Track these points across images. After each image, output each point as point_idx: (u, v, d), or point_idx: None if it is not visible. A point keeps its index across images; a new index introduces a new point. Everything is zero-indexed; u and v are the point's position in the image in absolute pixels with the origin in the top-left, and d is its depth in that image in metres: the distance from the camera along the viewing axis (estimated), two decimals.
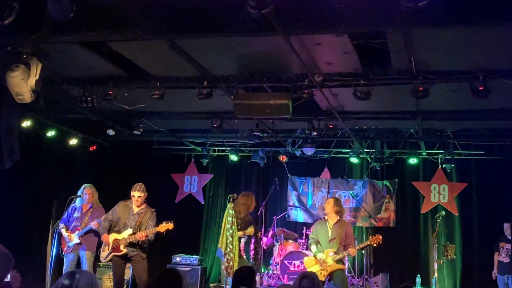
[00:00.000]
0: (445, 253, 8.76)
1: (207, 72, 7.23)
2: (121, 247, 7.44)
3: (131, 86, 7.78)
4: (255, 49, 6.39)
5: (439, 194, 10.79)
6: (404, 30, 5.42)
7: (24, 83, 5.90)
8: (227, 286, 8.58)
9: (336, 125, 9.16)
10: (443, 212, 8.84)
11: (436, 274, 8.42)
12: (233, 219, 7.74)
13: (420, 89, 6.73)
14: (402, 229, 11.01)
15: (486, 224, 10.28)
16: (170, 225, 7.45)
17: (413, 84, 6.77)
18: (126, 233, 7.47)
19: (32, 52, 5.90)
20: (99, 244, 8.17)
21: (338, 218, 7.77)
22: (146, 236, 7.38)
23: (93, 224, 8.28)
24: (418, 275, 9.54)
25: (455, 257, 9.30)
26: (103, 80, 7.73)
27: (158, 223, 7.60)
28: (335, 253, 7.54)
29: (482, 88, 6.47)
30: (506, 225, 9.12)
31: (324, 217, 8.05)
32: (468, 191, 10.68)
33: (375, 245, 7.85)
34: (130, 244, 7.46)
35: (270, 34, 5.61)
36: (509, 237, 9.11)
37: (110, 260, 7.62)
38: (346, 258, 7.89)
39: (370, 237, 7.98)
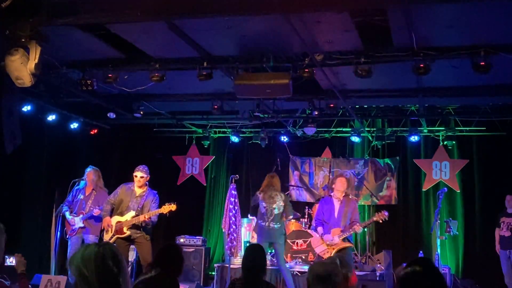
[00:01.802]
0: (447, 229, 8.80)
1: (206, 53, 7.20)
2: (124, 229, 7.50)
3: (131, 69, 7.76)
4: (254, 29, 6.36)
5: (440, 171, 10.80)
6: (405, 6, 5.38)
7: (23, 67, 5.88)
8: (231, 266, 8.66)
9: (337, 104, 9.15)
10: (445, 189, 8.86)
11: (438, 250, 8.46)
12: (236, 200, 7.79)
13: (421, 66, 6.69)
14: (404, 207, 11.05)
15: (488, 200, 10.30)
16: (173, 206, 7.49)
17: (414, 61, 6.74)
18: (129, 215, 7.52)
19: (30, 36, 5.86)
20: (103, 227, 8.21)
21: (344, 195, 7.81)
22: (149, 218, 7.42)
23: (95, 213, 8.31)
24: (421, 252, 9.58)
25: (457, 233, 9.36)
26: (103, 63, 7.70)
27: (160, 205, 7.64)
28: (342, 231, 7.61)
29: (483, 63, 6.44)
30: (509, 197, 9.13)
31: (329, 195, 8.05)
32: (469, 168, 10.69)
33: (381, 221, 7.88)
34: (133, 226, 7.51)
35: (270, 12, 5.58)
36: (510, 211, 9.15)
37: (113, 243, 7.67)
38: (351, 235, 7.95)
39: (376, 213, 7.97)
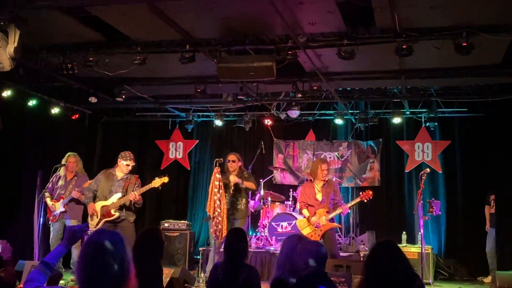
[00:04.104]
0: (430, 209, 8.89)
1: (189, 36, 7.14)
2: (112, 211, 7.46)
3: (112, 52, 7.68)
4: (237, 11, 6.32)
5: (423, 153, 10.89)
6: None
7: (2, 51, 5.80)
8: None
9: (320, 87, 9.14)
10: (428, 169, 8.94)
11: (421, 231, 8.55)
12: (220, 183, 7.78)
13: (404, 47, 6.71)
14: (387, 188, 11.13)
15: (469, 180, 10.42)
16: (165, 179, 7.48)
17: (397, 42, 6.75)
18: (115, 197, 7.49)
19: (9, 19, 5.78)
20: (85, 212, 8.17)
21: (325, 179, 7.90)
22: (140, 195, 7.41)
23: (74, 194, 8.27)
24: (404, 232, 9.69)
25: (440, 213, 9.47)
26: (83, 47, 7.61)
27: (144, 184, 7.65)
28: (327, 212, 7.71)
29: (465, 44, 6.47)
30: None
31: (309, 179, 8.13)
32: (451, 149, 10.78)
33: (365, 200, 8.01)
34: (120, 208, 7.49)
35: None
36: None
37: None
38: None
39: (361, 193, 8.09)
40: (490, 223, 9.32)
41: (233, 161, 8.23)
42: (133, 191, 7.48)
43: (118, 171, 7.70)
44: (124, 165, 7.61)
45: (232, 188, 8.13)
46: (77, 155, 8.80)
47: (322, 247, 4.13)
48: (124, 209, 7.52)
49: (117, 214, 7.47)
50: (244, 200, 8.24)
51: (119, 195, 7.49)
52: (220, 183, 7.80)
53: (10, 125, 8.94)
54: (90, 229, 7.90)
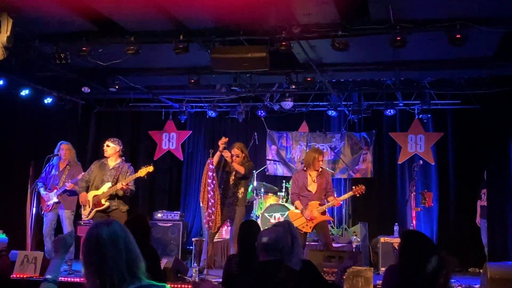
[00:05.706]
0: (423, 201, 8.93)
1: (183, 26, 7.11)
2: (102, 201, 7.44)
3: (105, 42, 7.63)
4: (231, 1, 6.28)
5: (415, 144, 10.92)
6: None
7: None
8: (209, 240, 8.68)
9: (314, 78, 9.14)
10: (421, 161, 8.98)
11: (413, 222, 8.59)
12: (214, 174, 7.78)
13: (398, 38, 6.71)
14: (379, 180, 11.17)
15: (462, 172, 10.47)
16: (150, 168, 7.42)
17: (391, 34, 6.75)
18: (106, 187, 7.47)
19: (1, 8, 5.74)
20: (78, 202, 8.15)
21: (319, 169, 7.88)
22: (127, 185, 7.38)
23: (68, 186, 8.24)
24: (396, 224, 9.73)
25: (432, 204, 9.51)
26: (76, 36, 7.56)
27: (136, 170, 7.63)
28: (320, 205, 7.71)
29: (459, 36, 6.49)
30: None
31: (304, 168, 8.08)
32: (444, 141, 10.82)
33: (358, 195, 8.01)
34: (111, 197, 7.47)
35: None
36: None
37: (92, 217, 7.62)
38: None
39: (354, 187, 8.08)
40: (481, 215, 9.37)
41: (237, 156, 8.16)
42: (125, 179, 7.47)
43: (109, 160, 7.68)
44: (105, 146, 7.60)
45: (233, 177, 8.13)
46: (70, 143, 8.76)
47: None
48: (116, 199, 7.49)
49: (107, 203, 7.44)
50: (242, 189, 8.22)
51: (109, 184, 7.47)
52: (214, 174, 7.80)
53: (2, 115, 8.90)
54: (82, 219, 7.93)
